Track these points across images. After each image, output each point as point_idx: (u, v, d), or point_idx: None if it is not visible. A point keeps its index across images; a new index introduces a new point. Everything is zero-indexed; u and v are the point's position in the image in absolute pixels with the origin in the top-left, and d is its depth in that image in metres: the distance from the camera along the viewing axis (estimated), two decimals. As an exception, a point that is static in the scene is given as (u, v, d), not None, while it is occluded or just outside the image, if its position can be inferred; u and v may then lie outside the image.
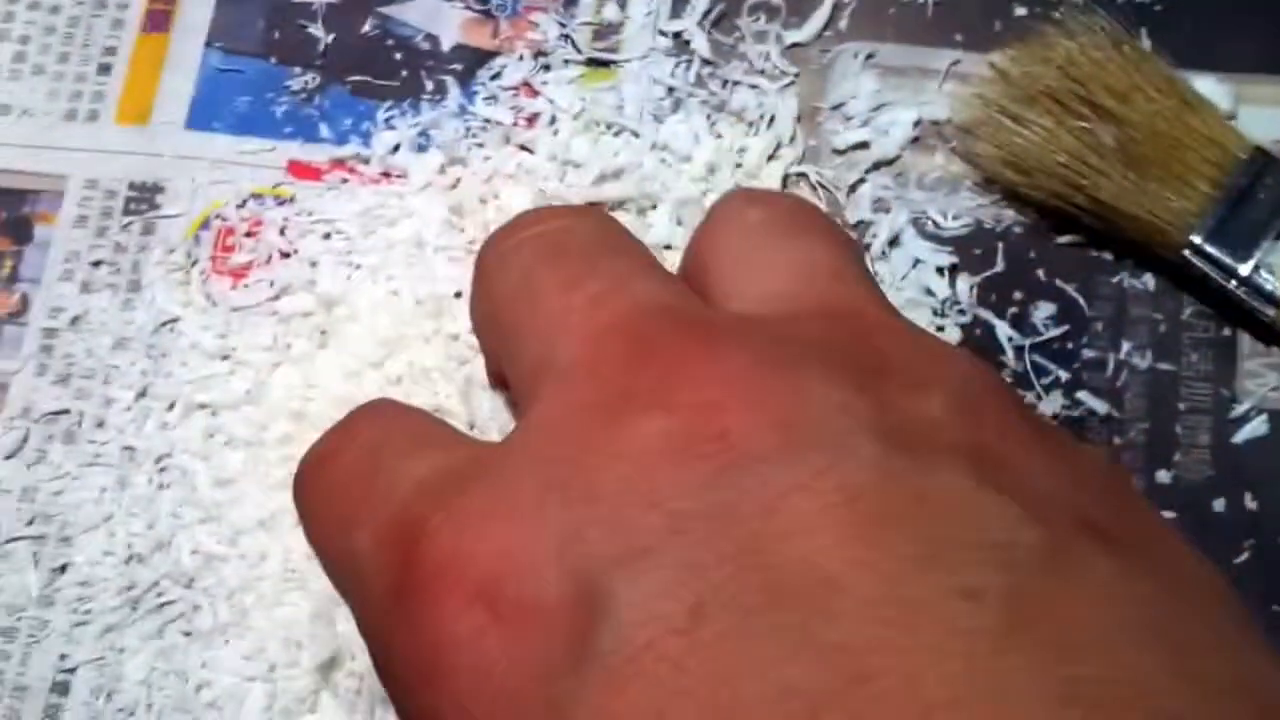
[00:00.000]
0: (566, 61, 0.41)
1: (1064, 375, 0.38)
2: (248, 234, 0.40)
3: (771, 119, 0.41)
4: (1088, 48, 0.39)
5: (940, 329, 0.38)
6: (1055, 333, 0.39)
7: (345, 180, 0.41)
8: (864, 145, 0.41)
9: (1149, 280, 0.40)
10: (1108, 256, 0.40)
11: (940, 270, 0.39)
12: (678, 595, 0.14)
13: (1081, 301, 0.39)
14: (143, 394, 0.39)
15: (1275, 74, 0.42)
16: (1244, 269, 0.38)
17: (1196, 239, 0.38)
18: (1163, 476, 0.37)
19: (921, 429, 0.16)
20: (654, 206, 0.40)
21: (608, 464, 0.16)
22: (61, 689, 0.37)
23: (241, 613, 0.37)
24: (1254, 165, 0.39)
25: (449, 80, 0.41)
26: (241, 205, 0.40)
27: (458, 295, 0.39)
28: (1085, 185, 0.39)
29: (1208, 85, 0.42)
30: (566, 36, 0.42)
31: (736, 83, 0.41)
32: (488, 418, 0.38)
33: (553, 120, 0.41)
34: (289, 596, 0.37)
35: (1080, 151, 0.39)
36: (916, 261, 0.39)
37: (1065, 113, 0.39)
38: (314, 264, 0.40)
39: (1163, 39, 0.42)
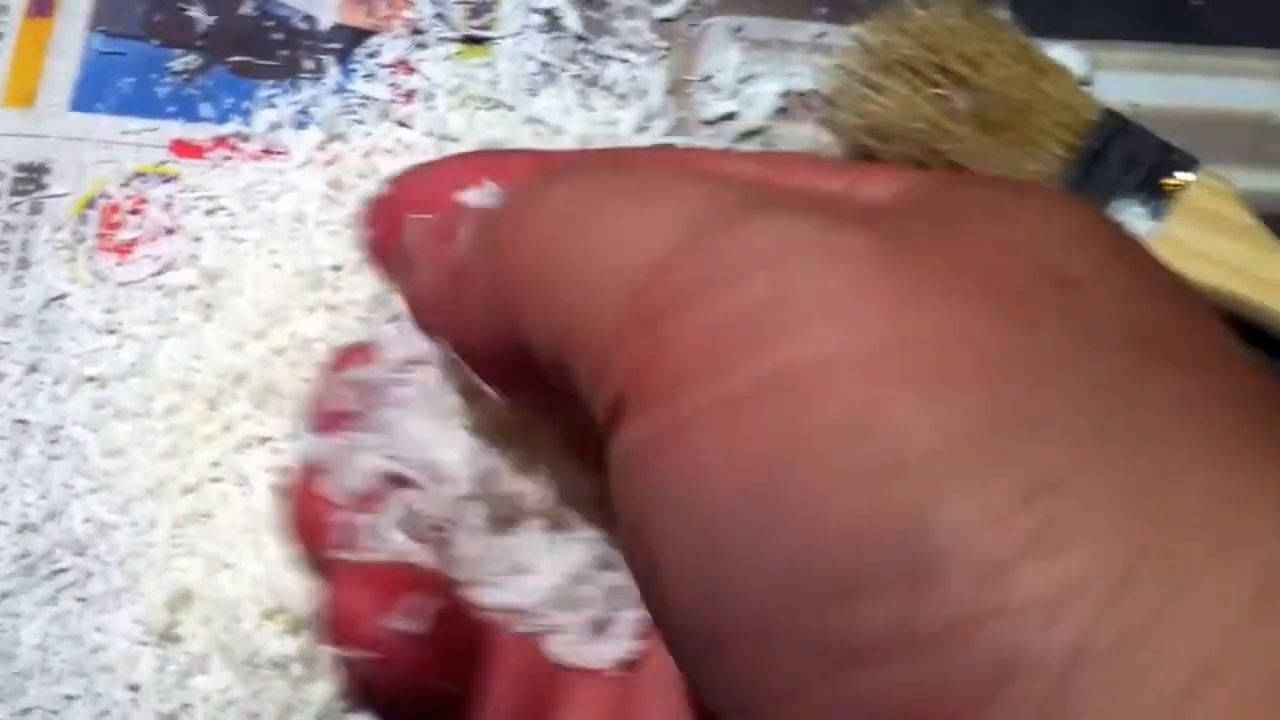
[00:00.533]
0: (442, 39, 0.42)
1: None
2: (133, 211, 0.41)
3: (642, 92, 0.42)
4: (941, 17, 0.41)
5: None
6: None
7: (228, 157, 0.42)
8: (732, 116, 0.42)
9: (1005, 240, 0.41)
10: (967, 218, 0.41)
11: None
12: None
13: (941, 262, 0.41)
14: (33, 368, 0.40)
15: (1130, 40, 0.43)
16: (1092, 228, 0.39)
17: (1049, 200, 0.39)
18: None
19: None
20: (529, 178, 0.41)
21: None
22: (-41, 655, 0.38)
23: (133, 578, 0.38)
24: (1105, 128, 0.40)
25: (328, 59, 0.42)
26: (126, 184, 0.41)
27: (336, 268, 0.40)
28: (943, 150, 0.40)
29: (1063, 52, 0.43)
30: (441, 15, 0.43)
31: (608, 57, 0.42)
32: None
33: (429, 96, 0.42)
34: (178, 562, 0.38)
35: (936, 118, 0.40)
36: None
37: (921, 80, 0.41)
38: (198, 239, 0.40)
39: (1021, 8, 0.43)
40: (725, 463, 0.15)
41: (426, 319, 0.21)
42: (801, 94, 0.42)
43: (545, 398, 0.19)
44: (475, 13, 0.43)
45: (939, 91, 0.40)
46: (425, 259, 0.21)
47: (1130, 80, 0.43)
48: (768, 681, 0.15)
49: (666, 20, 0.43)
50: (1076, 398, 0.14)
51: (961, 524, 0.14)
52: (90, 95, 0.42)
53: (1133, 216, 0.39)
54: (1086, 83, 0.43)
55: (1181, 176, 0.40)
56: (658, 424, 0.16)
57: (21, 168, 0.42)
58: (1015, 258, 0.16)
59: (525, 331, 0.18)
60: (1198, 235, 0.39)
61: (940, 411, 0.14)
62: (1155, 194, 0.39)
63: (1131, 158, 0.40)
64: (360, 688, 0.20)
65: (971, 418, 0.14)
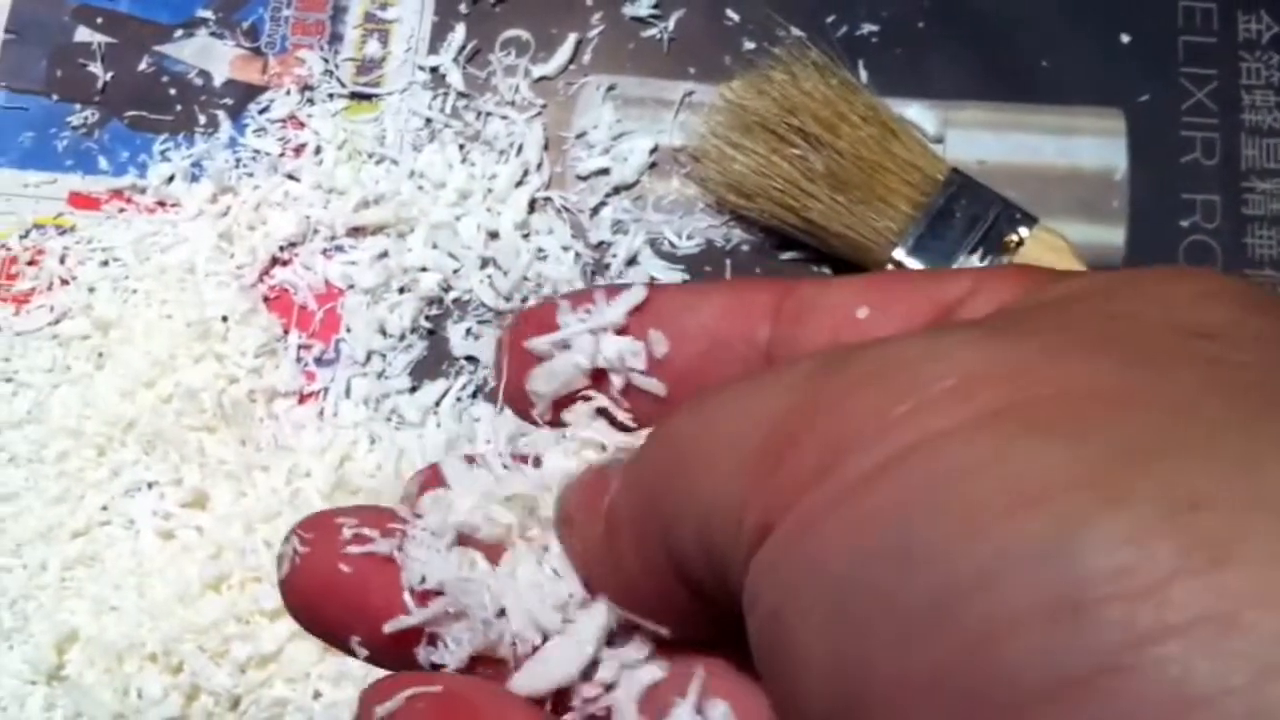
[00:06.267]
0: (331, 95, 0.40)
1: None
2: (30, 262, 0.39)
3: (520, 147, 0.40)
4: (799, 80, 0.39)
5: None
6: (775, 340, 0.39)
7: (123, 210, 0.39)
8: (605, 171, 0.40)
9: (859, 291, 0.39)
10: (827, 270, 0.40)
11: (671, 285, 0.39)
12: None
13: (799, 311, 0.39)
14: (-69, 415, 0.38)
15: (979, 99, 0.42)
16: (936, 282, 0.38)
17: (899, 254, 0.38)
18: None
19: None
20: (411, 230, 0.39)
21: None
22: None
23: (24, 619, 0.36)
24: (950, 186, 0.39)
25: (220, 114, 0.40)
26: (25, 235, 0.39)
27: (224, 319, 0.37)
28: (798, 207, 0.39)
29: (917, 111, 0.42)
30: (330, 72, 0.40)
31: (489, 114, 0.40)
32: (258, 433, 0.37)
33: (318, 150, 0.39)
34: (67, 603, 0.36)
35: (793, 177, 0.39)
36: (652, 279, 0.39)
37: (779, 141, 0.39)
38: (92, 290, 0.38)
39: (877, 68, 0.41)
40: (855, 531, 0.13)
41: (590, 576, 0.19)
42: (673, 150, 0.40)
43: (705, 628, 0.17)
44: (363, 69, 0.41)
45: (796, 151, 0.39)
46: (581, 517, 0.19)
47: (979, 138, 0.42)
48: None
49: (544, 79, 0.41)
50: (1218, 430, 0.12)
51: (1110, 542, 0.12)
52: (-8, 149, 0.40)
53: (976, 269, 0.38)
54: (938, 140, 0.41)
55: (1021, 232, 0.39)
56: (796, 521, 0.14)
57: (-77, 219, 0.39)
58: (1135, 321, 0.14)
59: (675, 540, 0.16)
60: (1034, 289, 0.38)
61: (1075, 448, 0.12)
62: (995, 249, 0.38)
63: (975, 215, 0.39)
64: None
65: (1109, 449, 0.12)
